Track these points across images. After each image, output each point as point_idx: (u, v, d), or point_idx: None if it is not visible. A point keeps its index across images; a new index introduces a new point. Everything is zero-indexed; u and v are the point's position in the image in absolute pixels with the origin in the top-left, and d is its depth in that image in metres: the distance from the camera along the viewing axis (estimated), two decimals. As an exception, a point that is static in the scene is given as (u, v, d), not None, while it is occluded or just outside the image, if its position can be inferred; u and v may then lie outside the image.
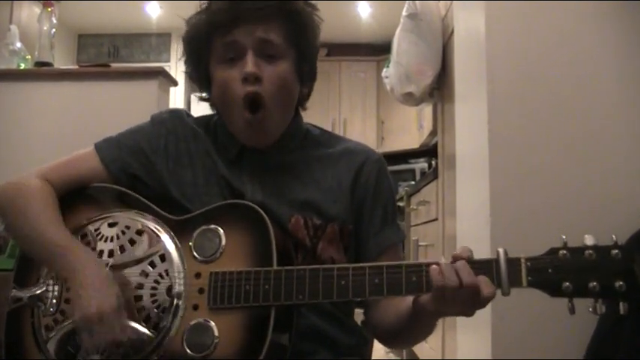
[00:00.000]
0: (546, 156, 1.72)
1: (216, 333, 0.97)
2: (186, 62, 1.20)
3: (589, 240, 0.88)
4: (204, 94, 1.21)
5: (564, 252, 0.88)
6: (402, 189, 4.37)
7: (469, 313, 0.93)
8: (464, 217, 2.19)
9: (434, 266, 0.92)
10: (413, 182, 4.64)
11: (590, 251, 0.87)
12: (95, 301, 0.98)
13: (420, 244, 3.23)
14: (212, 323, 0.98)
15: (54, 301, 1.07)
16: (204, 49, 1.15)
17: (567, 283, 0.87)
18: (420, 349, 3.15)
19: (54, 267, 1.07)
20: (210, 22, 1.13)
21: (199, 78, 1.20)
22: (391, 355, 3.54)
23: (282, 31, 1.12)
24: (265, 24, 1.11)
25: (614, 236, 0.87)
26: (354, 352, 1.17)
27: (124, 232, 1.08)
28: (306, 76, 1.19)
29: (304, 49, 1.16)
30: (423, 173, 5.00)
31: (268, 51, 1.11)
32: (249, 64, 1.09)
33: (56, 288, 1.07)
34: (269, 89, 1.10)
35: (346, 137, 1.29)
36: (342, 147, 1.22)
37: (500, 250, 0.91)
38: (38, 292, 1.07)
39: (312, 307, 1.10)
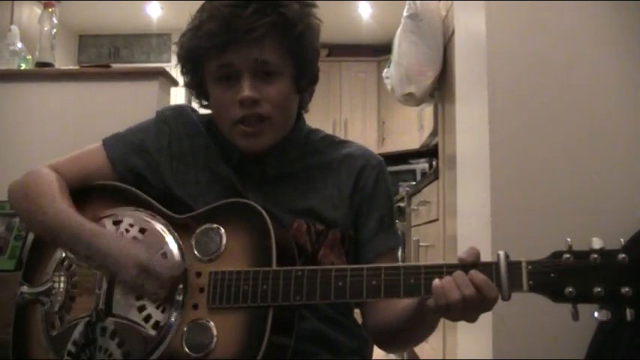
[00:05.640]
0: (547, 156, 1.72)
1: (215, 333, 0.98)
2: (182, 74, 1.20)
3: (596, 243, 0.85)
4: (203, 102, 1.21)
5: (568, 255, 0.86)
6: (403, 189, 4.37)
7: (471, 319, 0.92)
8: (464, 218, 2.19)
9: (436, 282, 0.90)
10: (413, 183, 4.64)
11: (596, 255, 0.84)
12: (129, 253, 1.01)
13: (421, 244, 3.23)
14: (211, 323, 0.99)
15: (59, 297, 1.08)
16: (199, 68, 1.15)
17: (570, 289, 0.84)
18: (421, 349, 3.15)
19: (70, 243, 1.07)
20: (202, 46, 1.10)
21: (196, 90, 1.19)
22: (391, 356, 3.54)
23: (279, 47, 1.09)
24: (260, 43, 1.07)
25: (621, 240, 0.84)
26: (354, 354, 1.16)
27: (127, 230, 1.08)
28: (306, 85, 1.17)
29: (303, 59, 1.13)
30: (423, 174, 5.00)
31: (265, 70, 1.09)
32: (245, 89, 1.08)
33: (62, 285, 1.09)
34: (268, 109, 1.09)
35: (348, 141, 1.27)
36: (343, 153, 1.21)
37: (501, 254, 0.89)
38: (43, 289, 1.10)
39: (312, 311, 1.10)
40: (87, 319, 1.04)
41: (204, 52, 1.11)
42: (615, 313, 0.84)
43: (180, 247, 1.05)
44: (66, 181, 1.17)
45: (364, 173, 1.19)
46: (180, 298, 1.01)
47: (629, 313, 0.82)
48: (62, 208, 1.09)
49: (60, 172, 1.18)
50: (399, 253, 1.20)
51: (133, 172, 1.20)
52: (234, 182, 1.15)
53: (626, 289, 0.82)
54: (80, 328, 1.04)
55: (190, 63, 1.16)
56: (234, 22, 1.05)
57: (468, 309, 0.89)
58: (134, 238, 1.07)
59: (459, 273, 0.90)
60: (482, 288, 0.88)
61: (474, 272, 0.89)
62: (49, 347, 1.07)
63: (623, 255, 0.83)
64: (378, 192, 1.19)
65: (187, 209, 1.11)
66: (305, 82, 1.16)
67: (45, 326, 1.09)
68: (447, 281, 0.90)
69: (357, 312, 1.21)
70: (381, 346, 1.20)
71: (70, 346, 1.04)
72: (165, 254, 1.04)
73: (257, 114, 1.09)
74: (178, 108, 1.26)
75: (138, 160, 1.20)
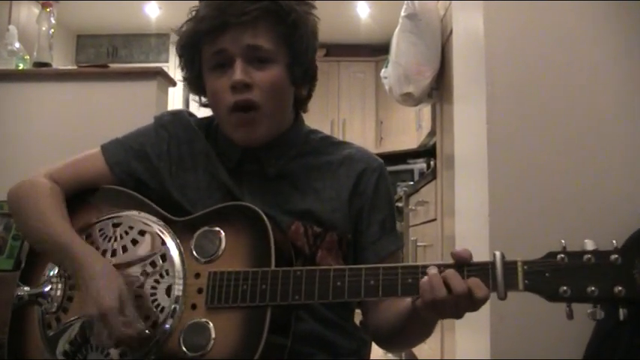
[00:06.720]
0: (545, 156, 1.72)
1: (212, 332, 0.98)
2: (181, 69, 1.21)
3: (589, 245, 0.87)
4: (202, 99, 1.21)
5: (562, 256, 0.87)
6: (401, 189, 4.37)
7: (459, 316, 0.92)
8: (462, 218, 2.19)
9: (424, 279, 0.91)
10: (411, 182, 4.64)
11: (589, 255, 0.86)
12: (98, 296, 0.98)
13: (419, 244, 3.23)
14: (209, 323, 0.99)
15: (57, 299, 1.09)
16: (196, 57, 1.16)
17: (565, 288, 0.86)
18: (419, 349, 3.15)
19: (60, 262, 1.09)
20: (197, 30, 1.12)
21: (195, 84, 1.20)
22: (390, 356, 3.54)
23: (272, 34, 1.11)
24: (253, 29, 1.09)
25: (614, 241, 0.86)
26: (353, 356, 1.16)
27: (127, 233, 1.09)
28: (301, 78, 1.17)
29: (297, 50, 1.14)
30: (421, 173, 5.01)
31: (258, 56, 1.10)
32: (237, 73, 1.09)
33: (59, 286, 1.09)
34: (259, 95, 1.10)
35: (348, 142, 1.27)
36: (343, 154, 1.21)
37: (497, 254, 0.90)
38: (41, 290, 1.10)
39: (311, 313, 1.10)
40: (84, 319, 1.04)
41: (199, 38, 1.13)
42: (610, 314, 0.85)
43: (179, 249, 1.06)
44: (63, 188, 1.18)
45: (364, 177, 1.19)
46: (178, 299, 1.01)
47: (622, 313, 0.84)
48: (52, 227, 1.10)
49: (57, 179, 1.18)
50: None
51: (133, 177, 1.20)
52: (231, 187, 1.16)
53: (619, 288, 0.84)
54: (76, 328, 1.04)
55: (188, 53, 1.17)
56: (228, 7, 1.08)
57: (457, 307, 0.90)
58: (133, 240, 1.08)
59: (450, 271, 0.91)
60: (473, 288, 0.89)
61: (465, 273, 0.91)
62: (45, 348, 1.07)
63: (616, 256, 0.85)
64: (379, 195, 1.19)
65: (186, 213, 1.12)
66: (300, 72, 1.16)
67: (42, 327, 1.09)
68: (434, 278, 0.90)
69: (357, 312, 1.22)
70: (381, 345, 1.20)
71: (66, 346, 1.05)
72: (165, 256, 1.05)
73: (248, 100, 1.09)
74: (176, 113, 1.26)
75: (138, 164, 1.20)
